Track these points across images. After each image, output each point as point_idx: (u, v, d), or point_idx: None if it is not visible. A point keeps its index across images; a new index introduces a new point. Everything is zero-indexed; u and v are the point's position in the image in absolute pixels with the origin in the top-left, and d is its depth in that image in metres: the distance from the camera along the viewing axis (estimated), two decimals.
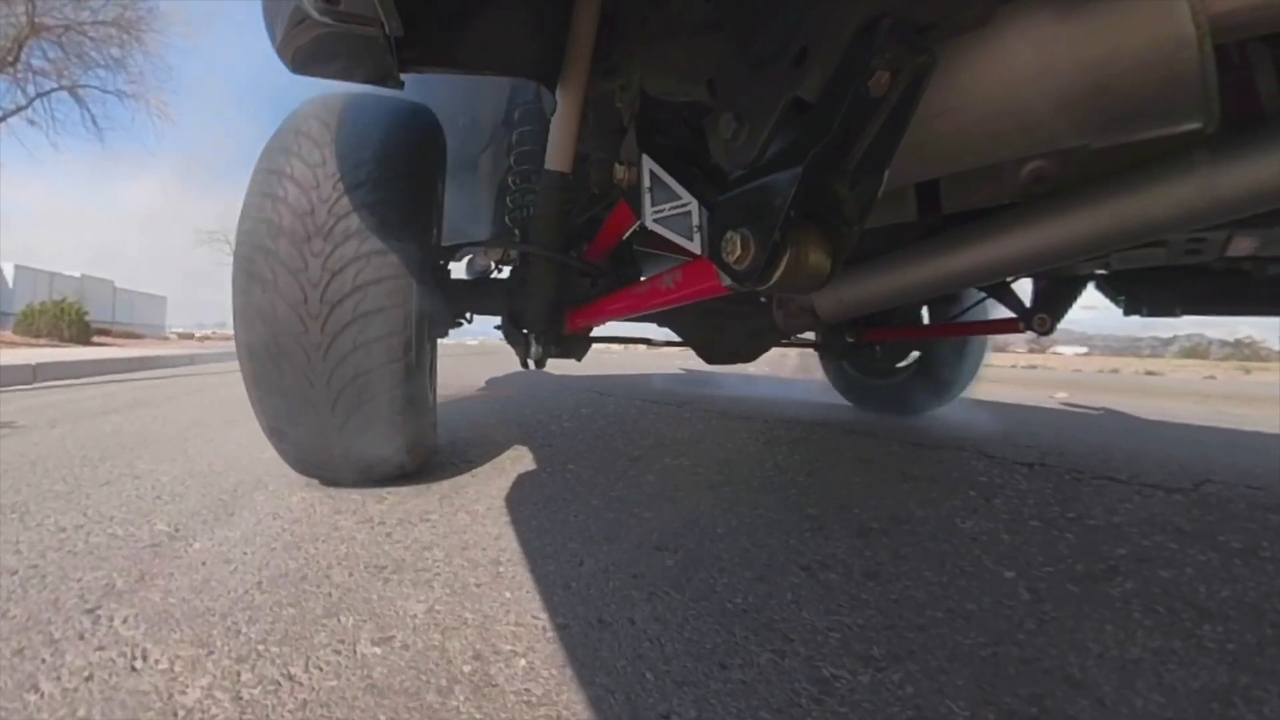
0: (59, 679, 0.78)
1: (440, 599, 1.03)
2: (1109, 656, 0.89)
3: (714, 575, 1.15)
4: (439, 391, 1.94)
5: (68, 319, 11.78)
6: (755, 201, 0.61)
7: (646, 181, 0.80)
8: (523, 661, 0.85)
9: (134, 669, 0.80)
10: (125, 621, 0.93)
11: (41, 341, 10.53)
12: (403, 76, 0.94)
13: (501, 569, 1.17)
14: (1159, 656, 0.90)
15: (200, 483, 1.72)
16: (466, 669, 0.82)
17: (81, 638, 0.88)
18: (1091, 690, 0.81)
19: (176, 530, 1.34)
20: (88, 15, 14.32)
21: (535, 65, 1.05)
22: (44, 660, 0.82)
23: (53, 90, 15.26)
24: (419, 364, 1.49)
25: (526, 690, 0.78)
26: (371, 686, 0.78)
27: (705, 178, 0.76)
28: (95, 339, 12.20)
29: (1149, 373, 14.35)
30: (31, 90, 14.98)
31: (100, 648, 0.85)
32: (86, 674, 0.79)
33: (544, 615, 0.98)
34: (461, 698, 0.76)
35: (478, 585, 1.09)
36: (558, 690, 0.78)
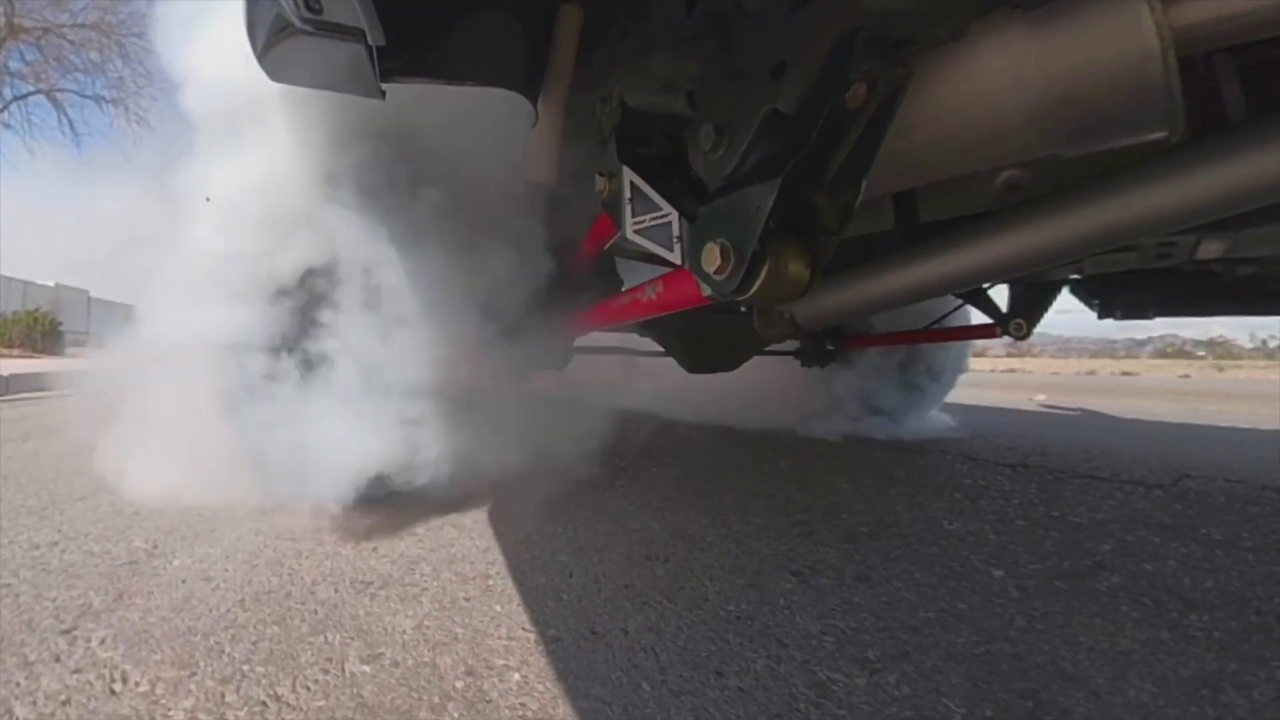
0: (34, 703, 0.76)
1: (429, 614, 1.02)
2: (1100, 649, 0.91)
3: (705, 583, 1.15)
4: None
5: (41, 329, 11.49)
6: (734, 212, 0.62)
7: (627, 193, 0.81)
8: (516, 675, 0.84)
9: (113, 692, 0.78)
10: (103, 642, 0.91)
11: (14, 352, 10.25)
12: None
13: (491, 582, 1.16)
14: (1148, 647, 0.92)
15: (180, 497, 1.68)
16: (459, 685, 0.82)
17: (57, 659, 0.86)
18: (1085, 683, 0.82)
19: (155, 547, 1.31)
20: (67, 18, 14.11)
21: (517, 76, 1.05)
22: (18, 684, 0.80)
23: (30, 94, 14.98)
24: None
25: (522, 705, 0.77)
26: (362, 705, 0.77)
27: (685, 189, 0.77)
28: (69, 350, 11.92)
29: (1125, 373, 14.65)
30: (8, 93, 14.68)
31: (77, 670, 0.83)
32: (63, 698, 0.77)
33: (536, 628, 0.98)
34: (455, 715, 0.75)
35: (467, 599, 1.08)
36: (553, 704, 0.78)
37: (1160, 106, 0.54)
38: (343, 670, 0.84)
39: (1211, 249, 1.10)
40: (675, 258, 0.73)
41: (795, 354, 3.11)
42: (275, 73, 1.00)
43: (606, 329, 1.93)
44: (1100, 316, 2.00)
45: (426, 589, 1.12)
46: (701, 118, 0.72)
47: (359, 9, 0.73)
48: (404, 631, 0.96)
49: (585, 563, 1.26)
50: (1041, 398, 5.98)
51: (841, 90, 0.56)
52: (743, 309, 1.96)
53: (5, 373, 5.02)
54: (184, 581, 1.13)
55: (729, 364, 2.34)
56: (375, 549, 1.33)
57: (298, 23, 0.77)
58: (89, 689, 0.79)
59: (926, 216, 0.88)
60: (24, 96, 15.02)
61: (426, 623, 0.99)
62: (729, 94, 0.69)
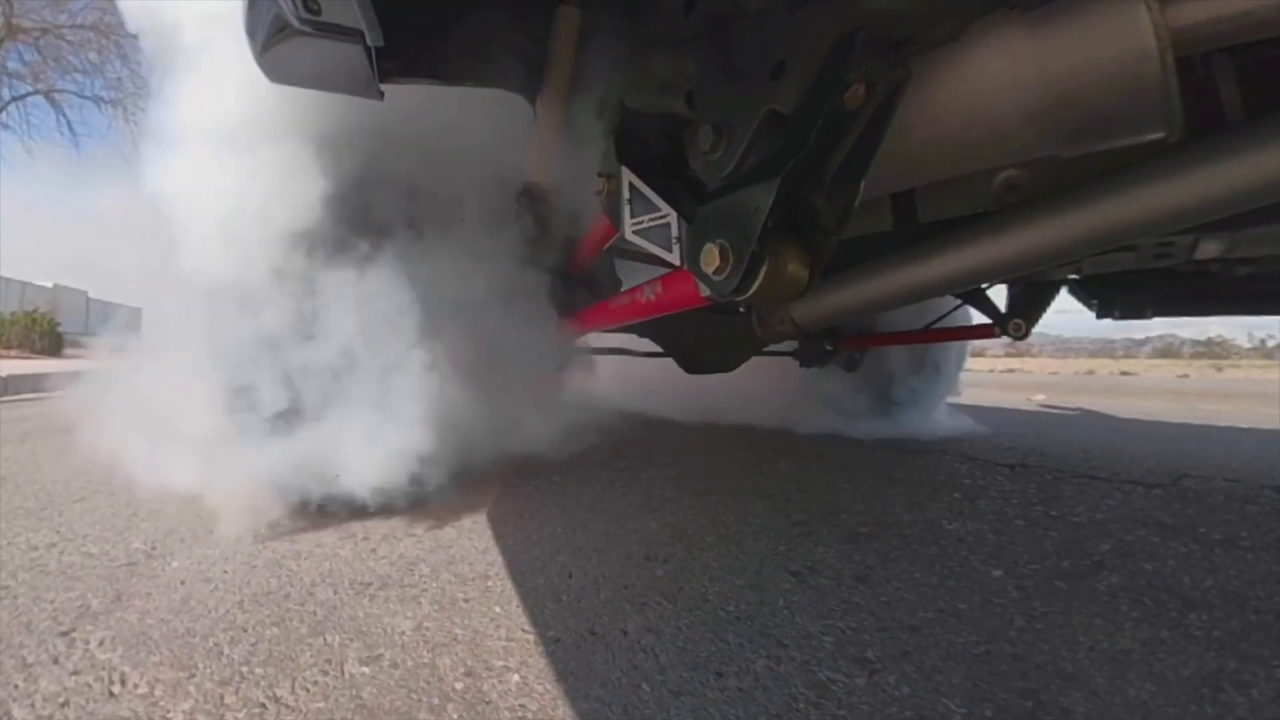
0: (33, 705, 0.75)
1: (429, 615, 1.02)
2: (1099, 649, 0.91)
3: (705, 584, 1.15)
4: None
5: (39, 330, 11.46)
6: (733, 213, 0.62)
7: (626, 193, 0.81)
8: (516, 677, 0.84)
9: (112, 694, 0.78)
10: (102, 644, 0.91)
11: (12, 353, 10.22)
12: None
13: (490, 583, 1.16)
14: (1148, 647, 0.92)
15: (178, 499, 1.68)
16: (459, 686, 0.81)
17: (56, 661, 0.86)
18: (1084, 682, 0.82)
19: (153, 548, 1.31)
20: (65, 19, 14.09)
21: (515, 78, 1.06)
22: (17, 686, 0.79)
23: (28, 95, 14.96)
24: None
25: (521, 706, 0.77)
26: (361, 707, 0.76)
27: (684, 189, 0.77)
28: (68, 351, 11.89)
29: (1124, 373, 14.68)
30: (6, 94, 14.65)
31: (76, 672, 0.83)
32: (62, 700, 0.77)
33: (535, 629, 0.98)
34: (455, 716, 0.75)
35: (466, 600, 1.08)
36: (553, 705, 0.78)
37: (1158, 107, 0.54)
38: (342, 672, 0.84)
39: (1209, 249, 1.10)
40: (674, 258, 0.73)
41: (794, 354, 3.11)
42: (274, 73, 1.00)
43: (605, 330, 1.93)
44: (1099, 316, 2.01)
45: (426, 590, 1.12)
46: (700, 118, 0.72)
47: (357, 10, 0.73)
48: (403, 633, 0.96)
49: (584, 564, 1.25)
50: (1040, 397, 5.98)
51: (840, 91, 0.56)
52: (741, 309, 1.96)
53: (3, 374, 5.01)
54: (182, 583, 1.13)
55: (728, 364, 2.34)
56: (374, 550, 1.32)
57: (296, 23, 0.77)
58: (88, 691, 0.79)
59: (925, 217, 0.88)
60: (22, 97, 15.01)
61: (426, 624, 0.99)
62: (728, 95, 0.69)
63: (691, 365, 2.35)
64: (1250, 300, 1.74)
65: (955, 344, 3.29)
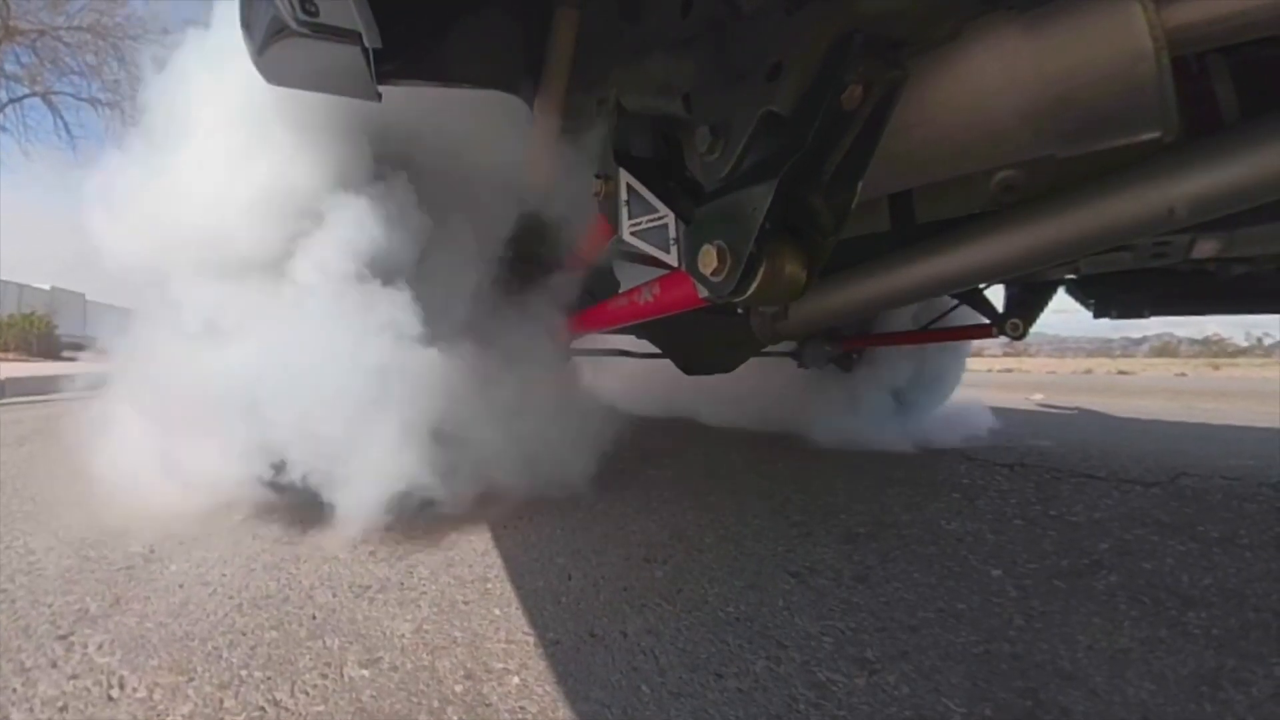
0: (31, 709, 0.75)
1: (428, 618, 1.02)
2: (1098, 648, 0.91)
3: (704, 585, 1.15)
4: None
5: (37, 332, 11.44)
6: (731, 214, 0.62)
7: (623, 195, 0.81)
8: (515, 679, 0.84)
9: (111, 698, 0.78)
10: (100, 648, 0.90)
11: (10, 356, 10.20)
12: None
13: (489, 585, 1.16)
14: (1147, 645, 0.92)
15: (177, 503, 1.67)
16: (458, 689, 0.81)
17: (54, 665, 0.85)
18: (1083, 681, 0.82)
19: (152, 551, 1.31)
20: (63, 20, 14.08)
21: (513, 79, 1.06)
22: (15, 690, 0.79)
23: (25, 96, 14.95)
24: None
25: (521, 708, 0.77)
26: (361, 710, 0.76)
27: (682, 191, 0.77)
28: (65, 353, 11.87)
29: (1121, 372, 14.71)
30: (3, 96, 14.65)
31: (74, 676, 0.83)
32: (60, 704, 0.76)
33: (535, 631, 0.97)
34: (454, 719, 0.75)
35: (465, 603, 1.08)
36: (553, 707, 0.77)
37: (1154, 107, 0.54)
38: (341, 675, 0.84)
39: (1206, 248, 1.11)
40: (672, 259, 0.73)
41: (792, 355, 3.11)
42: (271, 74, 1.00)
43: (604, 332, 1.93)
44: (1096, 316, 2.01)
45: (425, 593, 1.12)
46: (698, 120, 0.72)
47: (355, 11, 0.73)
48: (402, 635, 0.95)
49: (583, 565, 1.25)
50: (1038, 397, 6.00)
51: (837, 92, 0.56)
52: (739, 310, 1.96)
53: (1, 377, 5.00)
54: (181, 586, 1.13)
55: (726, 366, 2.34)
56: (373, 553, 1.32)
57: (294, 24, 0.77)
58: (86, 695, 0.79)
59: (922, 217, 0.88)
60: (19, 99, 14.98)
61: (425, 626, 0.99)
62: (725, 96, 0.69)
63: (689, 366, 2.35)
64: (1247, 299, 1.74)
65: (955, 345, 3.28)
